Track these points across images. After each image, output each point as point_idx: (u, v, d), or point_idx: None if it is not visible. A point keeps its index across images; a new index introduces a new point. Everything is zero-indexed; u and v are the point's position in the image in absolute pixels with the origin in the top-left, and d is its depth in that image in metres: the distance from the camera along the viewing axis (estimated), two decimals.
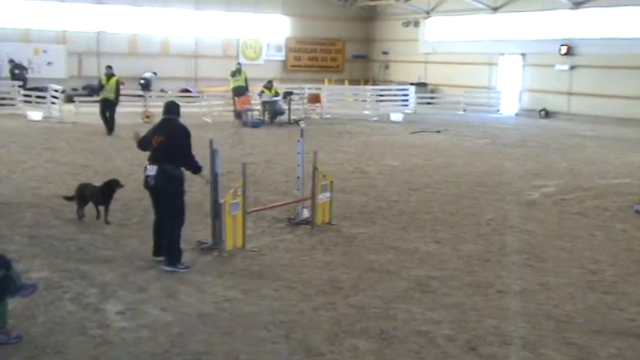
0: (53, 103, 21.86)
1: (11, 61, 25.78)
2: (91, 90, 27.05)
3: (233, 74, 22.39)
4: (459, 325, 5.87)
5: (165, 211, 7.30)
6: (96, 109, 22.51)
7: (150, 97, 23.17)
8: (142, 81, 27.68)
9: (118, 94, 18.39)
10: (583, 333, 5.79)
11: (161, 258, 7.30)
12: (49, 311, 5.96)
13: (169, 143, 7.14)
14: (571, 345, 5.54)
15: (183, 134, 7.26)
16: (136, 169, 13.05)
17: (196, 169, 7.37)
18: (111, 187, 9.07)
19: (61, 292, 6.44)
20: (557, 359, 5.29)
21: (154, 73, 28.27)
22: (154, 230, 7.50)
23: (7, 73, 25.47)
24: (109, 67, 18.64)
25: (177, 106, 7.57)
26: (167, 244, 7.24)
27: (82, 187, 9.25)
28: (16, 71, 25.21)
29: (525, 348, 5.47)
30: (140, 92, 24.45)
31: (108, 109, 18.20)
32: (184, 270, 7.14)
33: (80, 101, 22.48)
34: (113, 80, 18.20)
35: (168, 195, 7.23)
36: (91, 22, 28.37)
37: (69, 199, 9.34)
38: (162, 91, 26.55)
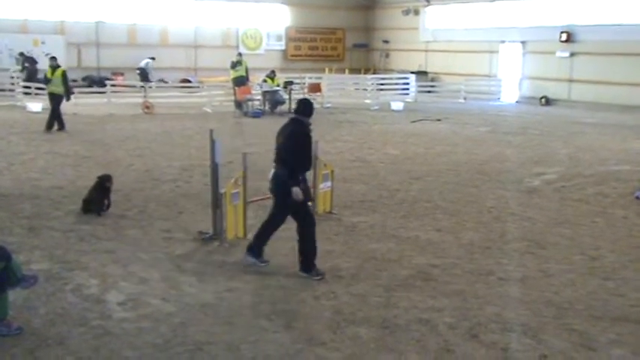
0: None
1: (21, 54, 25.15)
2: (91, 81, 27.02)
3: (233, 65, 22.26)
4: (460, 313, 5.87)
5: (295, 217, 6.84)
6: (95, 99, 22.61)
7: (150, 87, 23.12)
8: (137, 71, 26.16)
9: (66, 86, 16.84)
10: (584, 319, 5.79)
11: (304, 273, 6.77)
12: (50, 303, 5.96)
13: (283, 145, 6.77)
14: (572, 331, 5.55)
15: (292, 136, 6.73)
16: (136, 159, 13.08)
17: (290, 176, 6.65)
18: (104, 184, 9.00)
19: (61, 283, 6.44)
20: (558, 345, 5.30)
21: (152, 58, 26.71)
22: (265, 228, 7.07)
23: (17, 66, 24.76)
24: (53, 59, 17.35)
25: (304, 104, 6.92)
26: (300, 249, 6.80)
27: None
28: (26, 64, 24.18)
29: (526, 335, 5.48)
30: (137, 83, 24.20)
31: (56, 103, 16.63)
32: (317, 278, 6.62)
33: (80, 92, 22.45)
34: (59, 72, 16.68)
35: (280, 202, 6.85)
36: (89, 12, 28.26)
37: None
38: (161, 81, 26.45)
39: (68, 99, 17.22)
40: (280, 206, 6.88)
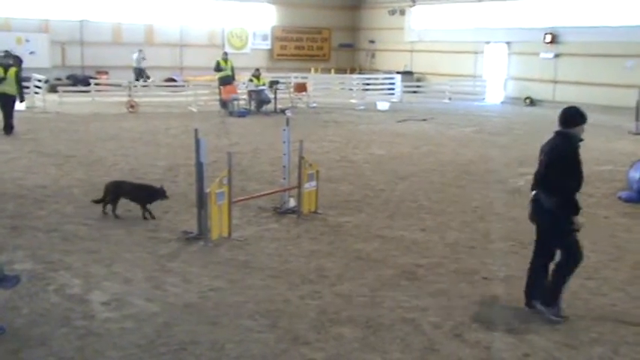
0: (36, 92, 21.63)
1: (6, 52, 24.68)
2: (75, 80, 26.80)
3: (218, 68, 22.14)
4: (444, 312, 5.90)
5: (543, 249, 5.94)
6: (80, 98, 22.44)
7: (135, 86, 23.00)
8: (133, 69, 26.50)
9: (19, 86, 15.91)
10: (566, 318, 5.84)
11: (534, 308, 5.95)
12: (33, 303, 5.92)
13: (545, 164, 5.79)
14: (554, 330, 5.59)
15: (553, 153, 5.77)
16: (119, 159, 13.00)
17: (563, 205, 5.66)
18: (157, 193, 8.83)
19: (44, 283, 6.39)
20: (542, 344, 5.34)
21: (140, 50, 27.14)
22: (530, 270, 6.07)
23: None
24: (8, 57, 16.56)
25: (564, 114, 5.89)
26: (549, 282, 5.94)
27: (116, 185, 8.95)
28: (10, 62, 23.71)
29: (510, 333, 5.51)
30: (122, 82, 24.02)
31: (7, 104, 15.70)
32: (555, 319, 5.74)
33: (64, 91, 22.31)
34: (12, 71, 15.69)
35: (543, 230, 5.91)
36: (73, 11, 28.01)
37: (99, 201, 8.86)
38: (145, 80, 26.32)
39: (22, 100, 16.53)
40: (556, 236, 5.81)
